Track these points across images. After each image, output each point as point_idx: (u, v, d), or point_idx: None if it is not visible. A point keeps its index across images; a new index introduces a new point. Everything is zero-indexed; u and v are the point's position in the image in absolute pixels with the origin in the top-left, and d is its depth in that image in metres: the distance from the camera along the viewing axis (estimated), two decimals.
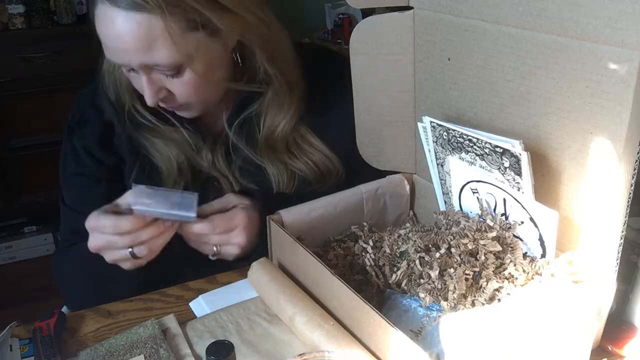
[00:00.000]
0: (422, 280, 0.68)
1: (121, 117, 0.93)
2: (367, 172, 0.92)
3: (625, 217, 0.61)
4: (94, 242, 0.80)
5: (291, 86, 0.94)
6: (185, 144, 0.93)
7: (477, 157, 0.70)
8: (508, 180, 0.67)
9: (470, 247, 0.67)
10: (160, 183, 0.91)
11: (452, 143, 0.73)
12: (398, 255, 0.73)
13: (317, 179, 0.97)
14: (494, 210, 0.73)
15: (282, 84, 0.92)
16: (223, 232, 0.82)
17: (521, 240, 0.70)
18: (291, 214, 0.80)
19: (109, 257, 0.81)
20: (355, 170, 0.96)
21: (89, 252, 0.87)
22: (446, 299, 0.65)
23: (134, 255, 0.79)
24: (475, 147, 0.69)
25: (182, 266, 0.90)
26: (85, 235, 0.90)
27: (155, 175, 0.92)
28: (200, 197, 0.81)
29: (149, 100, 0.84)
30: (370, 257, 0.75)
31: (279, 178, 0.95)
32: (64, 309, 0.96)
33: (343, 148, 0.96)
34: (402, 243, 0.73)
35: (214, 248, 0.84)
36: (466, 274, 0.65)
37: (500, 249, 0.68)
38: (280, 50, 0.92)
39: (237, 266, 0.87)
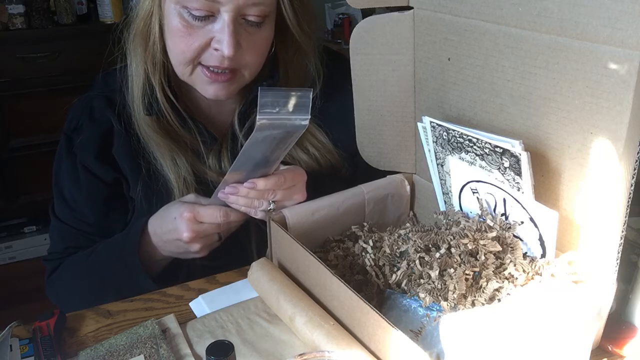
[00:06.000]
0: (422, 280, 0.68)
1: (128, 121, 0.92)
2: (370, 172, 0.93)
3: (625, 217, 0.61)
4: (190, 232, 0.82)
5: (301, 82, 0.97)
6: (192, 151, 0.94)
7: (477, 157, 0.70)
8: (508, 180, 0.67)
9: (470, 247, 0.67)
10: (166, 191, 0.91)
11: (452, 143, 0.73)
12: (398, 255, 0.73)
13: (321, 172, 0.98)
14: (494, 210, 0.73)
15: (294, 81, 0.96)
16: (288, 187, 0.83)
17: (521, 240, 0.69)
18: (295, 214, 0.80)
19: (200, 245, 0.84)
20: (362, 168, 0.96)
21: (95, 260, 0.89)
22: (446, 299, 0.65)
23: (219, 239, 0.86)
24: (475, 147, 0.69)
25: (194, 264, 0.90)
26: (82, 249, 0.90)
27: (162, 183, 0.92)
28: None
29: (230, 50, 0.83)
30: (370, 257, 0.75)
31: None
32: None
33: (348, 144, 0.97)
34: (402, 243, 0.73)
35: (270, 204, 0.83)
36: (466, 274, 0.65)
37: (500, 249, 0.68)
38: (306, 56, 0.97)
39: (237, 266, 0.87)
